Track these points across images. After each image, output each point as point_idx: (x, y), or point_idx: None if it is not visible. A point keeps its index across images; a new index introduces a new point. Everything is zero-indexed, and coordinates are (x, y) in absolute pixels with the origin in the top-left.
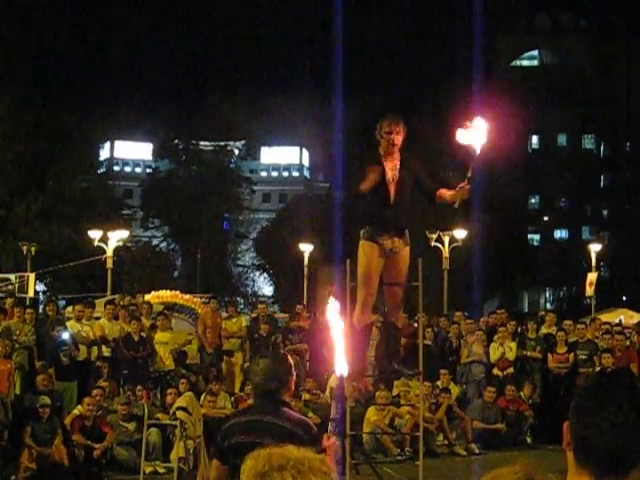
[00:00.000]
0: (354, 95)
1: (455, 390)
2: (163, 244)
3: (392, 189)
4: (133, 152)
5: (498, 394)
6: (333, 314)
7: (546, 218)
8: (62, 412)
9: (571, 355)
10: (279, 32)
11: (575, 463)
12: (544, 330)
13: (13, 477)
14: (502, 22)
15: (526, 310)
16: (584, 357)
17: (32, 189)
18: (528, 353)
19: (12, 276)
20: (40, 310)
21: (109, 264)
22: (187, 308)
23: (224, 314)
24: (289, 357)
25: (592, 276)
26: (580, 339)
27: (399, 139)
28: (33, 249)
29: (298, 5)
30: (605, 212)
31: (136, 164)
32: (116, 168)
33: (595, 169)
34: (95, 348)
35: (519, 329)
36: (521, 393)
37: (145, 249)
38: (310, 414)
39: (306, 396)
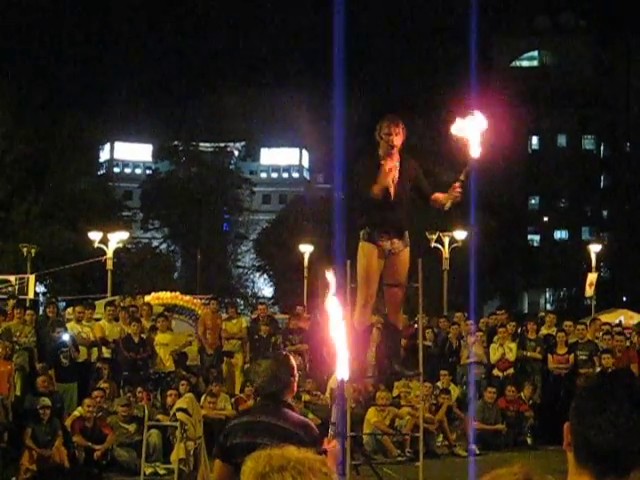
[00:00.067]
0: (354, 95)
1: (455, 391)
2: (163, 245)
3: (392, 190)
4: (133, 153)
5: (498, 395)
6: (334, 315)
7: (546, 219)
8: (62, 413)
9: (571, 356)
10: (279, 32)
11: (576, 463)
12: (544, 331)
13: (13, 478)
14: (502, 22)
15: (526, 311)
16: (584, 358)
17: (32, 190)
18: (528, 354)
19: (12, 278)
20: (40, 312)
21: (109, 265)
22: (187, 309)
23: (224, 315)
24: (291, 358)
25: (592, 277)
26: (580, 340)
27: (398, 140)
28: (33, 251)
29: (298, 6)
30: (605, 213)
31: (136, 165)
32: (116, 169)
33: (595, 170)
34: (95, 349)
35: (519, 330)
36: (521, 394)
37: (145, 250)
38: (310, 415)
39: (306, 397)
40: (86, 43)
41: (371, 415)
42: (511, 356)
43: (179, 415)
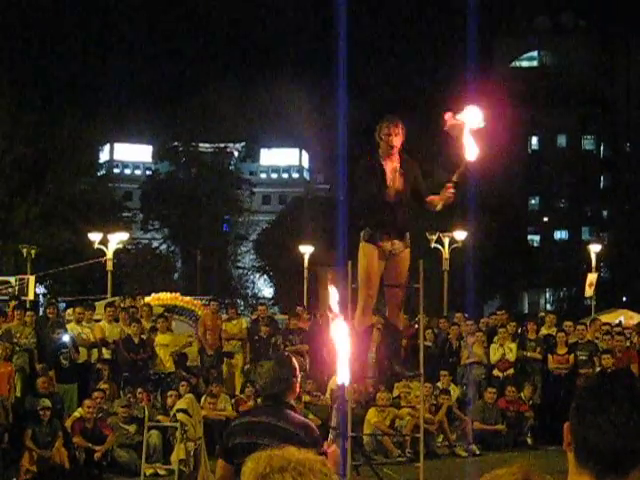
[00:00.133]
0: (355, 96)
1: (455, 391)
2: (163, 246)
3: (392, 191)
4: (133, 154)
5: (498, 395)
6: (336, 317)
7: (546, 219)
8: (62, 414)
9: (571, 356)
10: (279, 32)
11: (576, 463)
12: (544, 331)
13: (14, 479)
14: (502, 23)
15: (526, 311)
16: (584, 358)
17: (32, 191)
18: (528, 354)
19: (12, 279)
20: (40, 313)
21: (109, 266)
22: (187, 310)
23: (224, 316)
24: (293, 359)
25: (592, 277)
26: (580, 340)
27: (398, 141)
28: (33, 251)
29: (298, 6)
30: (605, 213)
31: (136, 166)
32: (116, 170)
33: (595, 170)
34: (95, 350)
35: (519, 330)
36: (521, 394)
37: (145, 251)
38: (310, 416)
39: (306, 398)
40: (86, 43)
41: (371, 416)
42: (511, 356)
43: (179, 416)
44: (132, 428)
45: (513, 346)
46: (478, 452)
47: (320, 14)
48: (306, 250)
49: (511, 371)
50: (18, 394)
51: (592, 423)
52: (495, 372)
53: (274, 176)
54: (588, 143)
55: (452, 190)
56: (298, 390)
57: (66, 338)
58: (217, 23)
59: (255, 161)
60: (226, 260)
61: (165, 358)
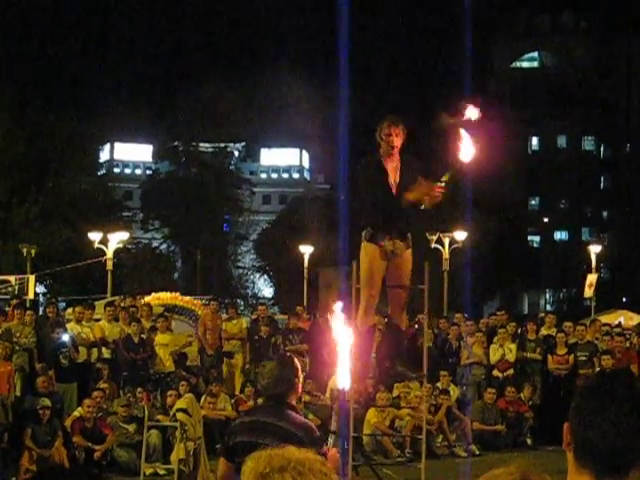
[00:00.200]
0: (356, 95)
1: (455, 391)
2: (163, 246)
3: (393, 191)
4: (133, 154)
5: (498, 395)
6: (338, 319)
7: (546, 219)
8: (62, 414)
9: (571, 356)
10: (280, 32)
11: (575, 463)
12: (544, 331)
13: (13, 479)
14: (502, 23)
15: (526, 312)
16: (584, 358)
17: (32, 191)
18: (528, 355)
19: (12, 278)
20: (40, 312)
21: (109, 266)
22: (187, 310)
23: (224, 316)
24: (295, 360)
25: (592, 277)
26: (580, 340)
27: (398, 141)
28: (33, 251)
29: (299, 6)
30: (605, 213)
31: (136, 166)
32: (116, 170)
33: (595, 170)
34: (95, 350)
35: (519, 330)
36: (521, 394)
37: (145, 251)
38: (310, 416)
39: (306, 398)
40: (86, 43)
41: (371, 416)
42: (511, 357)
43: (179, 415)
44: (132, 428)
45: (513, 346)
46: (477, 452)
47: (321, 14)
48: (306, 250)
49: (511, 371)
50: (18, 393)
51: (592, 423)
52: (495, 372)
53: (274, 176)
54: (588, 144)
55: (440, 190)
56: (300, 391)
57: (66, 337)
58: (217, 23)
59: (255, 161)
60: (226, 260)
61: (165, 358)
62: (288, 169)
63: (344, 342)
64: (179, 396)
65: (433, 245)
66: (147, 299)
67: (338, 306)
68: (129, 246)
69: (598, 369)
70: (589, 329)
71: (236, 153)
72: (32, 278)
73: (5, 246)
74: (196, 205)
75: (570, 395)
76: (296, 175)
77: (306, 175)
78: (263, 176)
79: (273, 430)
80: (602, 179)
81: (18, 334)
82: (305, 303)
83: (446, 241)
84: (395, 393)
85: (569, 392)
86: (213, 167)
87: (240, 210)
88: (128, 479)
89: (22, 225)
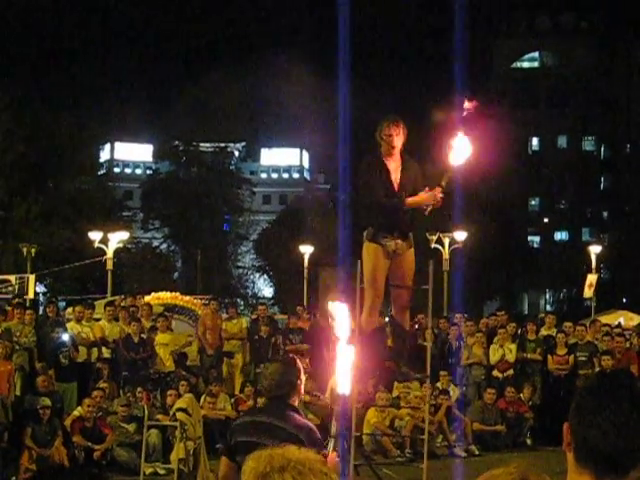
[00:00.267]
0: (356, 95)
1: (455, 392)
2: (163, 246)
3: (394, 191)
4: (133, 154)
5: (498, 396)
6: (339, 320)
7: (546, 220)
8: (62, 413)
9: (571, 357)
10: (280, 32)
11: (575, 463)
12: (544, 332)
13: (13, 478)
14: (502, 24)
15: (526, 312)
16: (584, 359)
17: (32, 190)
18: (528, 355)
19: (12, 277)
20: (40, 311)
21: (109, 265)
22: (187, 309)
23: (224, 315)
24: (298, 361)
25: (592, 278)
26: (580, 341)
27: (399, 141)
28: (33, 250)
29: (299, 6)
30: (605, 214)
31: (136, 166)
32: (116, 170)
33: (595, 171)
34: (95, 349)
35: (519, 331)
36: (521, 395)
37: (145, 250)
38: (310, 415)
39: (306, 398)
40: (86, 43)
41: (371, 416)
42: (511, 357)
43: (179, 415)
44: (132, 427)
45: (513, 347)
46: (477, 453)
47: (321, 14)
48: (306, 250)
49: (511, 372)
50: (18, 393)
51: (592, 423)
52: (495, 373)
53: (274, 176)
54: (589, 144)
55: (440, 194)
56: (302, 392)
57: (66, 337)
58: (217, 23)
59: (255, 161)
60: (226, 260)
61: (165, 357)
62: (288, 169)
63: (345, 345)
64: (179, 396)
65: (433, 245)
66: (147, 299)
67: (339, 307)
68: (129, 246)
69: (598, 369)
70: (589, 329)
71: (236, 153)
72: (32, 278)
73: (5, 245)
74: (196, 205)
75: (570, 395)
76: (296, 175)
77: (306, 175)
78: (263, 176)
79: (274, 431)
80: (602, 179)
81: (18, 333)
82: (305, 303)
83: (446, 241)
84: (395, 393)
85: (569, 392)
86: (213, 167)
87: (240, 210)
88: (128, 479)
89: (22, 224)
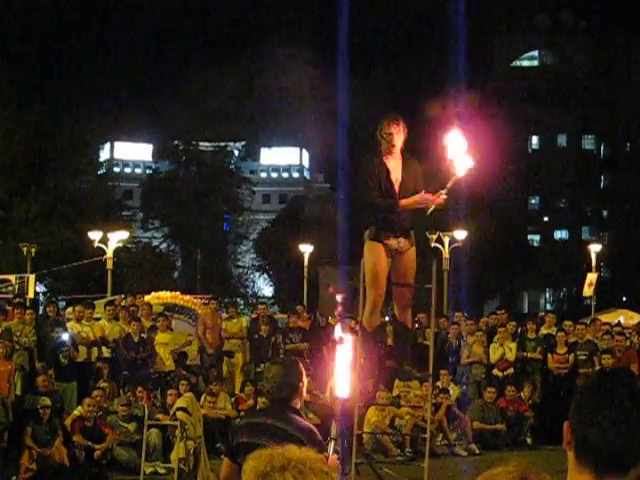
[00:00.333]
0: (356, 94)
1: (455, 391)
2: (163, 245)
3: (395, 189)
4: (133, 153)
5: (498, 395)
6: (340, 320)
7: (546, 218)
8: (62, 413)
9: (571, 356)
10: (280, 32)
11: (575, 462)
12: (544, 331)
13: (14, 478)
14: (502, 22)
15: (526, 311)
16: (584, 357)
17: (32, 190)
18: (528, 354)
19: (12, 277)
20: (40, 311)
21: (109, 265)
22: (187, 309)
23: (224, 315)
24: (300, 364)
25: (592, 276)
26: (580, 339)
27: (399, 140)
28: (33, 250)
29: (299, 6)
30: (605, 212)
31: (136, 165)
32: (116, 169)
33: (595, 170)
34: (95, 349)
35: (519, 330)
36: (521, 393)
37: (145, 250)
38: (310, 415)
39: (306, 397)
40: (86, 42)
41: (371, 415)
42: (511, 356)
43: (179, 414)
44: (132, 427)
45: (513, 346)
46: (477, 451)
47: (321, 13)
48: (306, 249)
49: (511, 371)
50: (18, 392)
51: (592, 421)
52: (495, 371)
53: (274, 175)
54: (588, 143)
55: (444, 197)
56: (304, 394)
57: (66, 336)
58: (217, 23)
59: (255, 160)
60: (226, 259)
61: (165, 357)
62: (288, 168)
63: (345, 348)
64: (179, 395)
65: (433, 244)
66: (147, 298)
67: (340, 307)
68: (129, 245)
69: (598, 368)
70: (589, 328)
71: (236, 152)
72: (32, 277)
73: (5, 245)
74: (196, 204)
75: (570, 394)
76: (296, 174)
77: (306, 174)
78: (263, 175)
79: (275, 432)
80: (602, 178)
81: (18, 333)
82: (305, 302)
83: (446, 240)
84: (395, 392)
85: (569, 391)
86: (213, 166)
87: (240, 209)
88: (128, 478)
89: (22, 224)
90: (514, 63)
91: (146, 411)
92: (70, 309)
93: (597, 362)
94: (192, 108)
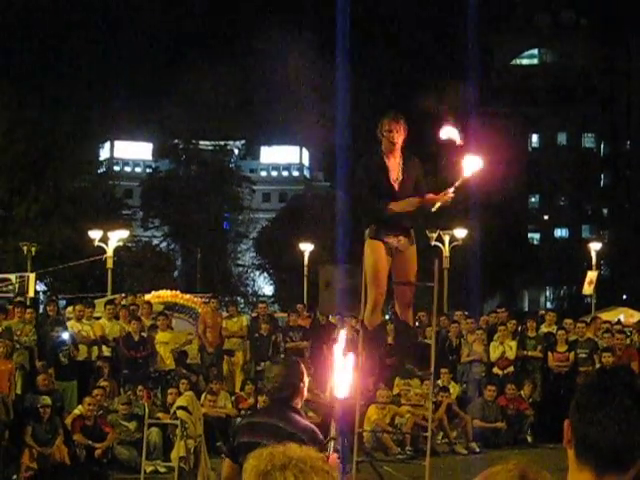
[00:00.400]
0: (356, 93)
1: (455, 389)
2: (163, 244)
3: (396, 188)
4: (133, 152)
5: (498, 393)
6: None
7: (546, 217)
8: (62, 412)
9: (571, 354)
10: (280, 32)
11: (576, 460)
12: (544, 329)
13: (14, 477)
14: (502, 20)
15: (526, 309)
16: (584, 356)
17: (32, 189)
18: (528, 352)
19: (12, 276)
20: (40, 310)
21: (109, 264)
22: (187, 308)
23: (224, 314)
24: (301, 364)
25: (592, 275)
26: (580, 338)
27: (399, 138)
28: (33, 249)
29: (299, 6)
30: (605, 211)
31: (136, 164)
32: (116, 168)
33: (595, 168)
34: (95, 348)
35: (519, 328)
36: (521, 392)
37: (145, 249)
38: (310, 414)
39: (306, 395)
40: (85, 43)
41: (371, 413)
42: (511, 354)
43: (179, 413)
44: (132, 425)
45: (513, 344)
46: (478, 450)
47: (321, 12)
48: (306, 248)
49: (511, 369)
50: (18, 391)
51: (592, 420)
52: (495, 370)
53: (274, 174)
54: (588, 141)
55: (451, 195)
56: (305, 394)
57: (66, 335)
58: (217, 22)
59: (255, 159)
60: (226, 258)
61: (165, 356)
62: (288, 167)
63: (345, 349)
64: (179, 394)
65: (433, 243)
66: (147, 297)
67: (340, 306)
68: (129, 244)
69: (598, 366)
70: (589, 326)
71: (236, 151)
72: (32, 276)
73: (5, 244)
74: (196, 203)
75: (570, 392)
76: (296, 173)
77: (306, 173)
78: (263, 174)
79: (276, 431)
80: (602, 176)
81: (19, 332)
82: (305, 301)
83: (446, 239)
84: (395, 390)
85: (569, 389)
86: (213, 165)
87: (240, 208)
88: (129, 477)
89: (22, 223)
90: (514, 61)
91: (146, 410)
92: (70, 308)
93: (597, 360)
94: (192, 107)
